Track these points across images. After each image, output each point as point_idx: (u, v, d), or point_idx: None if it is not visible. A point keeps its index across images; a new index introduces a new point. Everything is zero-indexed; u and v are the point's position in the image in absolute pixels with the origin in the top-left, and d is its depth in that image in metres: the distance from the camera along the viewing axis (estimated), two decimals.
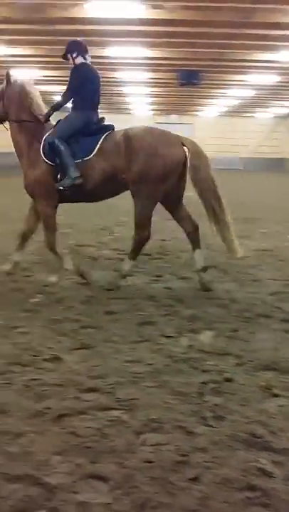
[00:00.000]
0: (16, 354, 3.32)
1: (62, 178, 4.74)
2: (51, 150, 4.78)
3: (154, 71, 21.14)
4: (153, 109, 38.04)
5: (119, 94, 30.19)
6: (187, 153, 4.70)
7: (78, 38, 5.54)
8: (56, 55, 18.42)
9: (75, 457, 2.25)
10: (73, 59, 5.13)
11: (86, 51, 5.18)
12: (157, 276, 5.42)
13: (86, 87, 4.99)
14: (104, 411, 2.61)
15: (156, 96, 30.51)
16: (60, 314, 4.08)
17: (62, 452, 2.29)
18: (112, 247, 6.92)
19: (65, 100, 5.17)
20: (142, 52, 16.90)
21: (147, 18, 12.57)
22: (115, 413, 2.59)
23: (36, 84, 21.93)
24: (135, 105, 35.16)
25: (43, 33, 15.52)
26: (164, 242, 7.18)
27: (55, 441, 2.37)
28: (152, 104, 34.56)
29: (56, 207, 5.12)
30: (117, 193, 5.06)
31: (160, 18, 12.42)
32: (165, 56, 17.51)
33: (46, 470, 2.17)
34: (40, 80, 24.85)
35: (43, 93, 22.11)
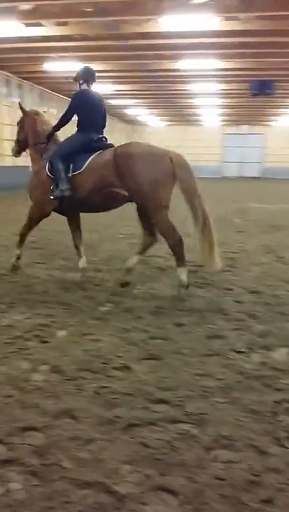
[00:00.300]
0: (86, 360, 3.38)
1: (55, 189, 5.26)
2: (51, 165, 5.35)
3: (226, 82, 21.07)
4: (223, 120, 37.85)
5: (190, 106, 30.35)
6: (173, 166, 4.87)
7: (89, 66, 5.94)
8: (129, 69, 18.98)
9: (145, 468, 2.25)
10: (80, 85, 5.60)
11: (93, 79, 5.64)
12: (227, 289, 5.34)
13: (85, 110, 5.40)
14: (174, 424, 2.60)
15: (227, 107, 30.35)
16: (130, 324, 4.12)
17: (131, 462, 2.30)
18: None
19: (62, 121, 5.58)
20: (214, 63, 16.89)
21: (221, 30, 12.56)
22: (185, 427, 2.57)
23: (109, 98, 22.64)
24: (205, 117, 35.14)
25: (116, 48, 15.97)
26: (233, 255, 7.08)
27: (125, 451, 2.39)
28: (223, 115, 34.40)
29: (62, 211, 5.66)
30: (110, 207, 5.42)
31: (234, 29, 12.38)
32: (238, 67, 17.41)
33: (116, 478, 2.19)
34: (112, 94, 25.57)
35: (116, 107, 22.87)
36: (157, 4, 12.14)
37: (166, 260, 6.73)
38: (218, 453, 2.35)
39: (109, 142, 5.56)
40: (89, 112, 5.41)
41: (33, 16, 13.13)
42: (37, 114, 6.13)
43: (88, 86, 5.58)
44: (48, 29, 13.57)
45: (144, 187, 4.81)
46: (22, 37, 14.61)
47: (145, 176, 4.79)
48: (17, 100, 21.66)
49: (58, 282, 5.50)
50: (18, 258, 5.92)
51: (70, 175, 5.22)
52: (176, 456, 2.32)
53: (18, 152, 6.28)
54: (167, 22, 11.89)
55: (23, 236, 5.88)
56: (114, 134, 39.48)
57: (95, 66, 18.25)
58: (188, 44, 14.82)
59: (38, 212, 5.68)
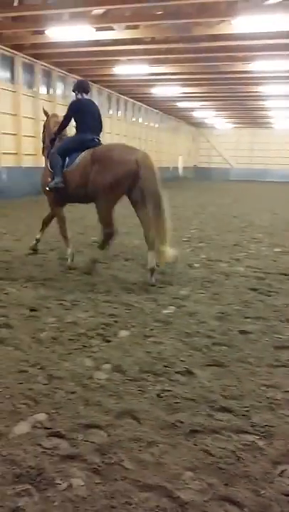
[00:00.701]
0: (149, 362, 3.38)
1: (51, 181, 6.07)
2: (50, 161, 6.20)
3: None
4: None
5: (261, 109, 29.80)
6: (138, 167, 5.45)
7: (83, 79, 7.18)
8: (197, 71, 18.90)
9: (208, 476, 2.21)
10: (76, 95, 6.36)
11: (86, 90, 6.38)
12: None
13: (80, 116, 6.16)
14: (239, 434, 2.53)
15: None
16: (192, 328, 4.08)
17: (194, 469, 2.26)
18: (245, 264, 6.76)
19: (62, 126, 6.46)
20: (288, 65, 16.48)
21: None
22: (250, 438, 2.49)
23: (176, 100, 22.66)
24: (277, 119, 34.38)
25: (186, 51, 15.95)
26: None
27: (187, 457, 2.35)
28: None
29: (59, 201, 6.42)
30: (93, 199, 5.97)
31: None
32: None
33: (178, 484, 2.16)
34: (179, 97, 25.59)
35: (182, 109, 22.87)
36: (231, 6, 12.01)
37: (231, 265, 6.63)
38: (285, 468, 2.25)
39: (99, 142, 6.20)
40: (83, 117, 6.17)
41: (105, 20, 13.40)
42: (54, 115, 7.10)
43: (82, 95, 6.35)
44: (118, 33, 13.80)
45: (106, 183, 5.53)
46: (92, 41, 14.95)
47: (108, 175, 5.49)
48: None
49: (120, 282, 5.54)
50: (37, 241, 7.07)
51: (65, 169, 5.99)
52: (241, 467, 2.26)
53: (43, 152, 7.09)
54: (241, 23, 11.70)
55: (44, 223, 7.09)
56: (180, 136, 39.59)
57: (163, 69, 18.44)
58: (262, 45, 14.55)
59: (49, 199, 6.50)
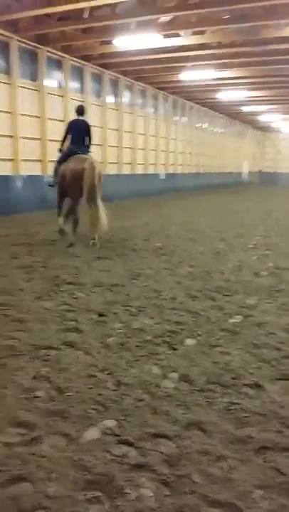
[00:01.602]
0: (216, 373, 3.34)
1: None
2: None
3: None
4: None
5: None
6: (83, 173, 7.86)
7: (80, 104, 9.28)
8: (264, 75, 18.53)
9: (279, 496, 2.15)
10: (77, 116, 8.63)
11: (82, 113, 8.67)
12: None
13: (71, 132, 8.50)
14: None
15: None
16: (261, 339, 3.99)
17: (265, 487, 2.21)
18: None
19: (62, 139, 8.84)
20: None
21: None
22: None
23: (242, 105, 22.46)
24: None
25: (252, 54, 15.71)
26: None
27: (257, 474, 2.30)
28: None
29: (63, 197, 8.55)
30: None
31: None
32: None
33: (248, 502, 2.12)
34: (245, 101, 25.21)
35: (248, 114, 22.60)
36: None
37: None
38: None
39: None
40: (73, 133, 8.47)
41: (171, 26, 13.49)
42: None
43: (78, 116, 8.61)
44: (184, 39, 13.83)
45: (61, 179, 8.31)
46: (158, 48, 15.08)
47: (67, 179, 8.11)
48: (151, 110, 22.43)
49: (185, 289, 5.54)
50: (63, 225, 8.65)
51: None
52: None
53: None
54: None
55: (58, 209, 8.68)
56: (245, 141, 39.00)
57: (229, 73, 18.26)
58: None
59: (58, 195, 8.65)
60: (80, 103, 10.02)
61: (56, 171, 8.54)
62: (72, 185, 8.02)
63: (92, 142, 8.72)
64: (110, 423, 2.72)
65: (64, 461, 2.39)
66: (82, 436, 2.59)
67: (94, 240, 8.02)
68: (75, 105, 15.29)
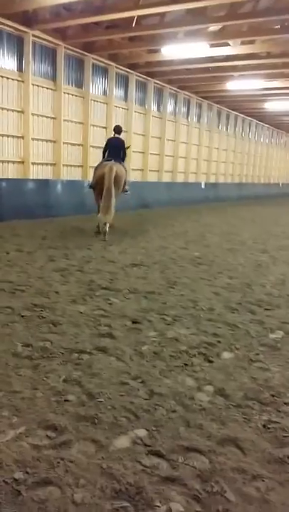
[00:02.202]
0: (254, 389, 3.19)
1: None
2: None
3: None
4: None
5: None
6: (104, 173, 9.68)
7: (118, 125, 11.25)
8: None
9: None
10: (114, 134, 10.75)
11: (119, 132, 10.76)
12: None
13: (109, 147, 10.48)
14: None
15: None
16: None
17: None
18: None
19: (103, 153, 10.70)
20: None
21: None
22: None
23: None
24: None
25: None
26: None
27: None
28: None
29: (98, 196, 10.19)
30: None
31: None
32: None
33: None
34: None
35: None
36: None
37: None
38: None
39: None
40: (110, 148, 10.46)
41: (220, 36, 13.43)
42: None
43: (114, 135, 10.72)
44: (233, 48, 13.73)
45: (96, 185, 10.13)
46: (205, 57, 15.04)
47: (95, 181, 10.08)
48: (195, 119, 22.37)
49: (223, 301, 5.39)
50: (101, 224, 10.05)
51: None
52: None
53: None
54: None
55: (97, 206, 10.21)
56: None
57: (277, 83, 18.04)
58: None
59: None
60: (118, 125, 11.32)
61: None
62: (97, 186, 9.95)
63: (125, 156, 10.74)
64: (141, 432, 2.63)
65: (92, 467, 2.31)
66: (112, 444, 2.51)
67: (105, 225, 9.76)
68: (118, 112, 16.13)
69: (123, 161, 10.50)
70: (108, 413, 2.81)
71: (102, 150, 10.77)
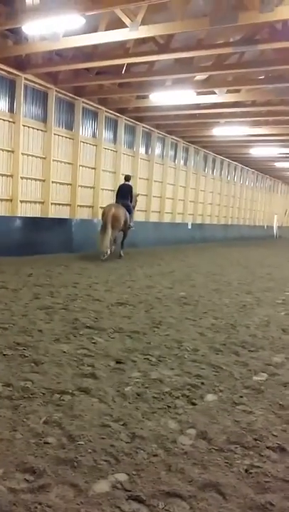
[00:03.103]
0: (237, 433, 3.15)
1: None
2: None
3: None
4: None
5: None
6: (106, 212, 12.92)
7: (128, 174, 15.12)
8: None
9: None
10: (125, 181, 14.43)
11: (128, 179, 14.30)
12: None
13: (119, 192, 14.00)
14: None
15: None
16: (287, 400, 3.77)
17: None
18: None
19: (115, 196, 14.44)
20: None
21: None
22: None
23: (274, 160, 23.09)
24: None
25: (287, 113, 16.01)
26: None
27: None
28: None
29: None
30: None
31: None
32: None
33: None
34: (277, 157, 25.55)
35: (281, 169, 22.98)
36: None
37: None
38: None
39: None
40: (120, 192, 13.90)
41: (207, 84, 13.96)
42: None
43: (124, 182, 14.19)
44: (219, 96, 14.25)
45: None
46: (193, 104, 15.58)
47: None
48: (182, 162, 22.90)
49: (208, 342, 5.38)
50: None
51: None
52: None
53: None
54: None
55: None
56: (275, 195, 39.31)
57: (262, 130, 18.65)
58: None
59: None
60: (128, 174, 15.24)
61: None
62: (102, 220, 12.97)
63: (132, 199, 14.11)
64: (121, 477, 2.57)
65: None
66: (91, 488, 2.44)
67: (106, 252, 12.63)
68: (107, 154, 17.07)
69: (131, 203, 13.93)
70: (88, 456, 2.75)
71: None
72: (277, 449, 2.96)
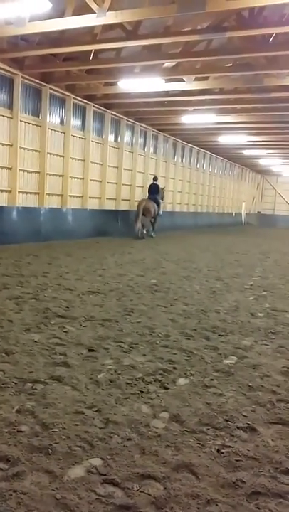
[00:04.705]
0: (208, 415, 3.23)
1: None
2: None
3: None
4: None
5: None
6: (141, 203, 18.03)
7: (155, 176, 21.02)
8: (265, 121, 19.04)
9: None
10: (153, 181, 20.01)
11: (155, 180, 19.92)
12: None
13: (149, 190, 19.58)
14: None
15: None
16: (256, 382, 3.88)
17: None
18: None
19: (147, 192, 19.91)
20: None
21: None
22: None
23: (243, 148, 23.40)
24: None
25: (255, 100, 16.14)
26: None
27: None
28: None
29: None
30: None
31: None
32: None
33: None
34: (245, 145, 25.81)
35: (248, 157, 23.27)
36: None
37: None
38: None
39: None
40: (150, 190, 19.46)
41: (175, 72, 13.92)
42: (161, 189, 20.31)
43: (153, 181, 19.73)
44: (187, 84, 14.24)
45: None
46: (161, 91, 15.52)
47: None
48: (151, 150, 22.86)
49: (179, 328, 5.45)
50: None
51: None
52: None
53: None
54: None
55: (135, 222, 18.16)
56: (244, 183, 39.77)
57: (230, 118, 18.77)
58: None
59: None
60: (155, 176, 20.61)
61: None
62: (136, 211, 17.98)
63: (159, 194, 19.43)
64: (96, 462, 2.60)
65: (46, 499, 2.26)
66: (66, 474, 2.47)
67: (139, 232, 17.78)
68: (76, 141, 16.43)
69: (160, 198, 19.42)
70: (62, 443, 2.77)
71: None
72: (247, 429, 3.05)
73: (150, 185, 19.53)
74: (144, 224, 18.17)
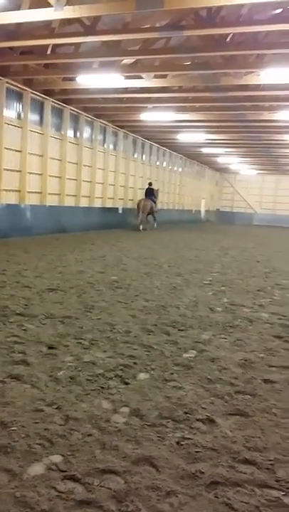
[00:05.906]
0: (168, 408, 3.27)
1: None
2: None
3: None
4: None
5: (286, 156, 30.21)
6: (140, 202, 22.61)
7: (151, 181, 25.84)
8: (223, 119, 19.33)
9: None
10: (149, 186, 24.58)
11: (151, 185, 24.78)
12: None
13: (146, 192, 24.20)
14: (263, 488, 2.39)
15: None
16: (214, 374, 3.96)
17: None
18: (270, 310, 6.62)
19: (144, 195, 24.48)
20: None
21: None
22: (275, 493, 2.35)
23: (201, 146, 23.58)
24: None
25: (211, 99, 16.36)
26: None
27: (208, 509, 2.23)
28: None
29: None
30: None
31: None
32: None
33: None
34: (205, 143, 26.12)
35: (207, 155, 23.53)
36: (259, 58, 12.43)
37: (254, 311, 6.51)
38: None
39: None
40: (146, 192, 24.12)
41: (134, 69, 13.91)
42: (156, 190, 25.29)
43: (148, 186, 24.44)
44: (146, 81, 14.27)
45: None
46: (121, 88, 15.49)
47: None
48: (111, 147, 22.80)
49: (140, 323, 5.48)
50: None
51: None
52: None
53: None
54: (268, 75, 12.02)
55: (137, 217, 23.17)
56: (203, 181, 40.25)
57: (189, 116, 18.95)
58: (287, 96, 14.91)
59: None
60: (150, 181, 25.18)
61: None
62: (136, 209, 22.40)
63: (154, 197, 23.88)
64: (56, 458, 2.59)
65: (5, 497, 2.24)
66: (25, 472, 2.44)
67: (140, 226, 22.01)
68: (33, 136, 15.89)
69: (155, 198, 24.02)
70: (22, 441, 2.74)
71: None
72: (206, 421, 3.11)
73: (146, 189, 24.12)
74: (142, 220, 22.40)
